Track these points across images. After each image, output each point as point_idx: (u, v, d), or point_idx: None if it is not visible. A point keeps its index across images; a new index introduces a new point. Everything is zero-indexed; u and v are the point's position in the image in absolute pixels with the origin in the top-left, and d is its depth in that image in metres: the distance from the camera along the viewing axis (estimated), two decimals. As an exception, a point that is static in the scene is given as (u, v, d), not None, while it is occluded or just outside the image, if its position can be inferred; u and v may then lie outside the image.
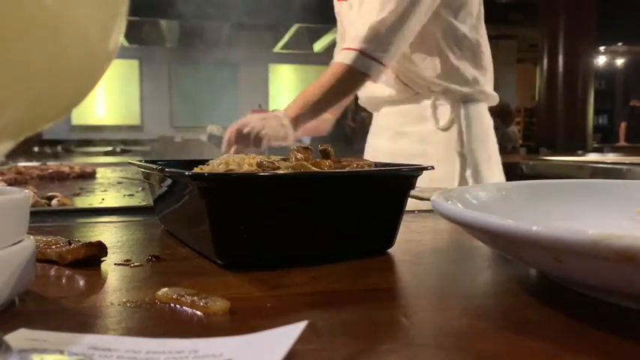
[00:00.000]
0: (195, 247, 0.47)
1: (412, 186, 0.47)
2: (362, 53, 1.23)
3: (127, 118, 8.50)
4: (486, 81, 1.41)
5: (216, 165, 0.48)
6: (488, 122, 1.46)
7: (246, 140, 1.25)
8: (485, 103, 1.44)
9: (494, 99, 1.47)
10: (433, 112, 1.39)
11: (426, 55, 1.36)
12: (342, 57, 1.25)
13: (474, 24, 1.36)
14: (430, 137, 1.39)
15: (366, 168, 0.47)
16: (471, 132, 1.38)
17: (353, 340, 0.27)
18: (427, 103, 1.40)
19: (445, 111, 1.38)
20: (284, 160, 0.47)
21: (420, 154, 1.41)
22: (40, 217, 0.66)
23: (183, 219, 0.49)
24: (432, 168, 0.48)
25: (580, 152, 3.84)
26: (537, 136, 6.00)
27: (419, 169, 0.47)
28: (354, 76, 1.25)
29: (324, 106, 1.30)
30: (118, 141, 6.99)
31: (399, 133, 1.47)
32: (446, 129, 1.38)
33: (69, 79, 0.22)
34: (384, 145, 1.48)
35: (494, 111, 1.48)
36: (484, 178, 1.38)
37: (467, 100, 1.38)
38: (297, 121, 1.27)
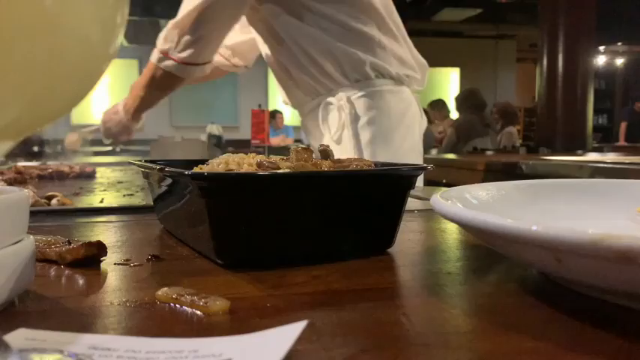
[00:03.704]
0: (195, 247, 0.47)
1: (412, 186, 0.47)
2: (163, 53, 1.27)
3: (127, 117, 8.49)
4: (389, 58, 1.26)
5: (216, 165, 0.48)
6: (398, 117, 1.28)
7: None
8: (393, 87, 1.27)
9: (412, 79, 1.30)
10: (324, 117, 1.29)
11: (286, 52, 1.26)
12: (152, 56, 1.30)
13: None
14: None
15: (366, 168, 0.47)
16: (369, 135, 1.25)
17: (353, 340, 0.27)
18: (317, 112, 1.30)
19: (334, 116, 1.26)
20: (284, 160, 0.47)
21: None
22: (40, 217, 0.66)
23: (183, 219, 0.49)
24: (432, 168, 0.48)
25: (580, 152, 3.84)
26: (537, 136, 6.00)
27: (419, 169, 0.47)
28: (165, 75, 1.30)
29: (153, 100, 1.42)
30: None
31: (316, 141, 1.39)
32: (338, 139, 1.26)
33: (68, 78, 0.22)
34: None
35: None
36: None
37: (363, 99, 1.24)
38: (135, 113, 1.45)
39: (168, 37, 1.26)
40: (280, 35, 1.25)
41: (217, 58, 1.51)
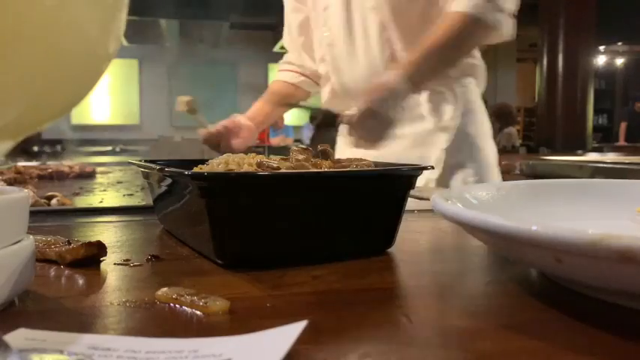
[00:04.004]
0: (195, 247, 0.47)
1: (412, 186, 0.47)
2: (489, 2, 1.02)
3: (127, 117, 8.49)
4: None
5: (216, 165, 0.48)
6: (485, 120, 1.24)
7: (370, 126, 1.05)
8: (475, 81, 1.21)
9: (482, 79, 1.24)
10: (432, 107, 1.16)
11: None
12: (460, 5, 1.03)
13: None
14: (427, 138, 1.18)
15: (366, 168, 0.47)
16: (472, 128, 1.19)
17: (353, 340, 0.27)
18: (423, 96, 1.16)
19: (446, 104, 1.16)
20: (284, 160, 0.47)
21: (416, 159, 1.15)
22: (40, 217, 0.66)
23: (183, 219, 0.49)
24: (432, 168, 0.48)
25: (580, 152, 3.84)
26: (537, 136, 6.00)
27: (419, 169, 0.47)
28: (476, 30, 1.05)
29: (441, 66, 1.09)
30: (118, 141, 6.99)
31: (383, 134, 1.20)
32: (445, 127, 1.17)
33: (68, 78, 0.22)
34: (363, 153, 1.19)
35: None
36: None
37: (462, 83, 1.17)
38: (418, 84, 1.07)
39: None
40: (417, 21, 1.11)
41: (300, 78, 1.38)
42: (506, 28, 1.07)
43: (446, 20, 1.05)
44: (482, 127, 1.23)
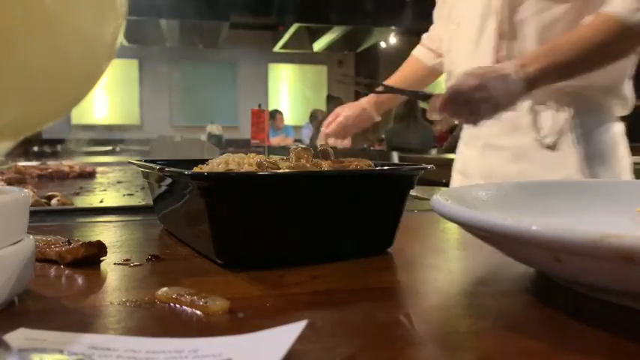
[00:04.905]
0: (194, 247, 0.46)
1: (412, 186, 0.47)
2: None
3: (127, 117, 8.49)
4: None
5: (216, 164, 0.48)
6: (617, 133, 1.05)
7: (462, 109, 0.94)
8: (613, 115, 1.04)
9: (626, 102, 1.04)
10: (533, 118, 1.02)
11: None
12: (622, 9, 0.87)
13: None
14: (528, 153, 1.04)
15: (366, 168, 0.47)
16: (590, 148, 1.00)
17: (353, 340, 0.27)
18: (524, 105, 1.02)
19: (548, 118, 1.02)
20: (284, 160, 0.47)
21: (515, 174, 1.04)
22: (40, 217, 0.66)
23: (183, 218, 0.49)
24: (433, 167, 0.48)
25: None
26: (537, 136, 5.99)
27: (419, 169, 0.46)
28: (636, 40, 0.90)
29: (578, 71, 0.94)
30: (118, 141, 6.99)
31: (489, 145, 1.09)
32: (552, 144, 1.01)
33: (68, 78, 0.22)
34: (473, 159, 1.14)
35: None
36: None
37: (588, 107, 1.01)
38: (536, 81, 0.92)
39: None
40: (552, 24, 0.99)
41: (435, 60, 1.29)
42: None
43: (595, 21, 0.90)
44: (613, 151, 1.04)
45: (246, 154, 0.49)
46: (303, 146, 0.49)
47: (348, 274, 0.39)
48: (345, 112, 1.30)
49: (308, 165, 0.46)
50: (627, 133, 1.08)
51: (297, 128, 7.16)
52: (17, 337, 0.25)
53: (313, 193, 0.42)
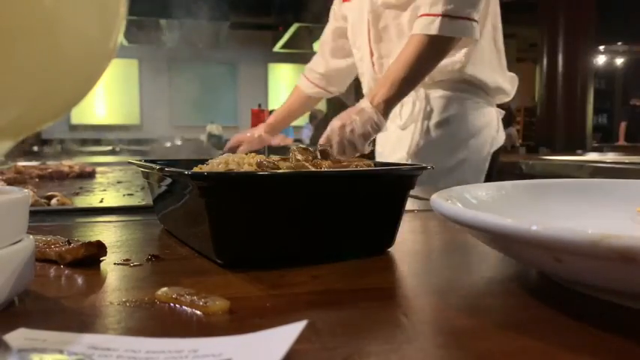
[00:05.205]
0: (194, 247, 0.47)
1: (412, 186, 0.47)
2: (446, 17, 1.10)
3: (127, 117, 8.49)
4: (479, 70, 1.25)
5: (216, 165, 0.48)
6: (475, 128, 1.28)
7: (340, 146, 1.14)
8: (476, 99, 1.28)
9: (501, 94, 1.31)
10: (400, 109, 1.28)
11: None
12: (422, 27, 1.12)
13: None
14: (390, 136, 1.32)
15: (366, 168, 0.47)
16: (438, 136, 1.26)
17: (353, 340, 0.27)
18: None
19: (408, 108, 1.28)
20: (284, 160, 0.47)
21: (378, 154, 1.39)
22: (40, 217, 0.66)
23: (183, 218, 0.49)
24: (432, 168, 0.48)
25: (579, 152, 3.84)
26: (537, 136, 6.00)
27: (419, 169, 0.47)
28: (442, 45, 1.13)
29: (413, 83, 1.17)
30: (118, 141, 6.99)
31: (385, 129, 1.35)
32: (404, 127, 1.29)
33: (68, 78, 0.22)
34: (378, 138, 1.40)
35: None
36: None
37: (445, 99, 1.26)
38: (388, 105, 1.14)
39: None
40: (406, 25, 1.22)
41: (313, 90, 1.57)
42: (470, 35, 1.14)
43: (409, 45, 1.14)
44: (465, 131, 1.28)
45: (246, 154, 0.49)
46: (303, 146, 0.49)
47: (348, 274, 0.39)
48: (245, 144, 1.54)
49: (308, 165, 0.46)
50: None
51: (297, 128, 7.16)
52: (17, 337, 0.25)
53: (313, 193, 0.42)
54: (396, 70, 1.14)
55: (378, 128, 1.14)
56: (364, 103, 1.15)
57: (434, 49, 1.13)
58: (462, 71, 1.24)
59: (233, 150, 1.52)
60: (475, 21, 1.13)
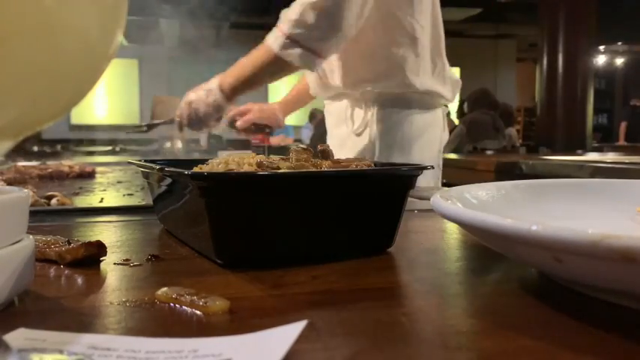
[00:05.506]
0: (194, 247, 0.47)
1: (412, 186, 0.47)
2: (290, 40, 1.12)
3: (127, 117, 8.49)
4: (429, 81, 1.30)
5: (216, 164, 0.48)
6: (421, 129, 1.33)
7: (187, 120, 1.31)
8: (420, 108, 1.33)
9: (444, 98, 1.35)
10: (351, 113, 1.33)
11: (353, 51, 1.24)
12: (270, 39, 1.16)
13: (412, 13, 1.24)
14: (346, 141, 1.34)
15: (366, 168, 0.47)
16: (389, 138, 1.30)
17: (353, 340, 0.27)
18: (345, 103, 1.35)
19: (360, 113, 1.32)
20: (284, 160, 0.47)
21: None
22: (40, 217, 0.66)
23: (183, 218, 0.49)
24: (432, 167, 0.48)
25: (579, 152, 3.84)
26: (537, 136, 6.00)
27: (419, 169, 0.47)
28: (282, 64, 1.16)
29: (257, 84, 1.26)
30: (118, 141, 6.99)
31: (329, 132, 1.44)
32: (359, 133, 1.32)
33: (68, 78, 0.22)
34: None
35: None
36: None
37: (390, 103, 1.30)
38: (233, 92, 1.26)
39: (300, 20, 1.10)
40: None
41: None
42: (313, 66, 1.18)
43: (260, 49, 1.20)
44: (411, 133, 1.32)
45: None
46: (303, 146, 0.49)
47: (348, 274, 0.39)
48: (255, 111, 1.52)
49: (308, 165, 0.46)
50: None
51: (297, 128, 7.16)
52: (17, 337, 0.25)
53: (313, 193, 0.42)
54: (244, 67, 1.23)
55: (220, 109, 1.28)
56: (214, 84, 1.27)
57: (275, 64, 1.17)
58: (402, 80, 1.27)
59: (242, 114, 1.51)
60: (320, 56, 1.14)
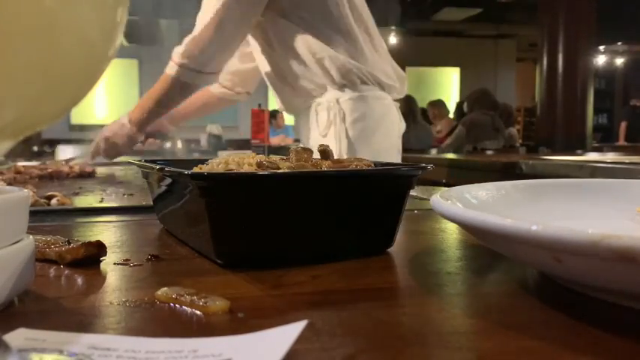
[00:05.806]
0: (194, 247, 0.47)
1: (412, 186, 0.47)
2: (183, 67, 1.36)
3: (127, 117, 8.49)
4: (368, 65, 1.40)
5: (216, 164, 0.48)
6: (378, 119, 1.44)
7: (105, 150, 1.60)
8: (375, 93, 1.43)
9: (390, 86, 1.45)
10: (316, 118, 1.45)
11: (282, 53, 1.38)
12: (169, 69, 1.39)
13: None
14: (314, 143, 1.43)
15: (366, 168, 0.47)
16: (353, 132, 1.40)
17: (353, 340, 0.27)
18: (312, 109, 1.46)
19: (323, 114, 1.43)
20: (284, 160, 0.47)
21: None
22: (40, 217, 0.66)
23: (183, 218, 0.49)
24: (432, 167, 0.48)
25: (579, 152, 3.84)
26: (537, 136, 6.00)
27: (419, 169, 0.46)
28: (181, 86, 1.40)
29: (160, 112, 1.52)
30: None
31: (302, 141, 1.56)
32: (325, 135, 1.43)
33: (68, 79, 0.22)
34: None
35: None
36: None
37: (349, 100, 1.39)
38: (140, 125, 1.54)
39: (186, 52, 1.35)
40: (277, 43, 1.39)
41: (221, 89, 1.73)
42: (201, 81, 1.42)
43: (160, 80, 1.43)
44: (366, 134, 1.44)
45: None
46: (303, 146, 0.49)
47: (348, 274, 0.39)
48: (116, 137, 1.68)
49: (308, 165, 0.46)
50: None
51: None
52: (17, 337, 0.25)
53: (313, 193, 0.42)
54: (148, 99, 1.49)
55: (134, 141, 1.58)
56: (125, 119, 1.55)
57: (175, 88, 1.41)
58: (353, 75, 1.39)
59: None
60: (211, 74, 1.40)
